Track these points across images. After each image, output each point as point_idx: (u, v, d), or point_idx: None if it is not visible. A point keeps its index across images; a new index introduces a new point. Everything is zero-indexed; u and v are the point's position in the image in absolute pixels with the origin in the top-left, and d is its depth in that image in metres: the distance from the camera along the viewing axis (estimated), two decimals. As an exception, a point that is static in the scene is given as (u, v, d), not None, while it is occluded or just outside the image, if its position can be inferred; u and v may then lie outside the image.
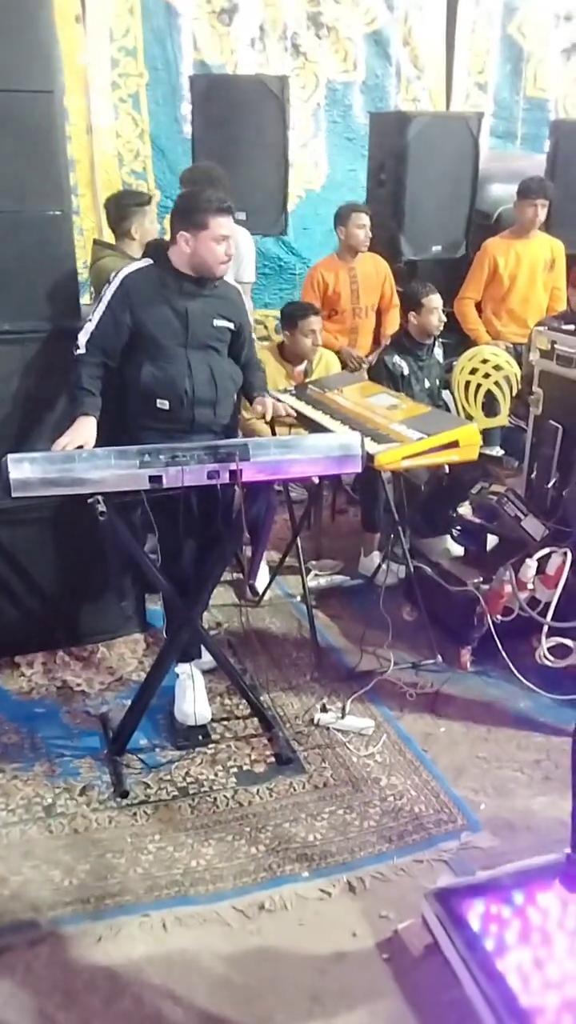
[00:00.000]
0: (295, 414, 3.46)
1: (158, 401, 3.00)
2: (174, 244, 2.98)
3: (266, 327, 5.96)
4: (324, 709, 3.20)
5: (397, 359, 4.21)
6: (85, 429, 2.85)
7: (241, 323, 3.16)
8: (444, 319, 4.23)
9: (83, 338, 2.97)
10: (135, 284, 2.97)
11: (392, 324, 4.94)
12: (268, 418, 3.26)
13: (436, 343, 4.36)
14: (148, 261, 3.04)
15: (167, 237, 3.12)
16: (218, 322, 3.07)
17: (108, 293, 2.98)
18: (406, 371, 4.20)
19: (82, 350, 2.96)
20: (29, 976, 2.20)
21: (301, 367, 4.25)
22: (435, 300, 4.17)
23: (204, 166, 4.04)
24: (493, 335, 5.10)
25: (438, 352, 4.40)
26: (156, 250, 3.08)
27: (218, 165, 4.03)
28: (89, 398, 2.93)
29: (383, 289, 5.03)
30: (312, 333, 4.11)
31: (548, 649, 3.11)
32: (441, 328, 4.24)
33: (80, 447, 2.75)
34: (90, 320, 2.98)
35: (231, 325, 3.11)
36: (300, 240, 5.98)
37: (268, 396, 3.32)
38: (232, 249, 3.01)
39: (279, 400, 3.45)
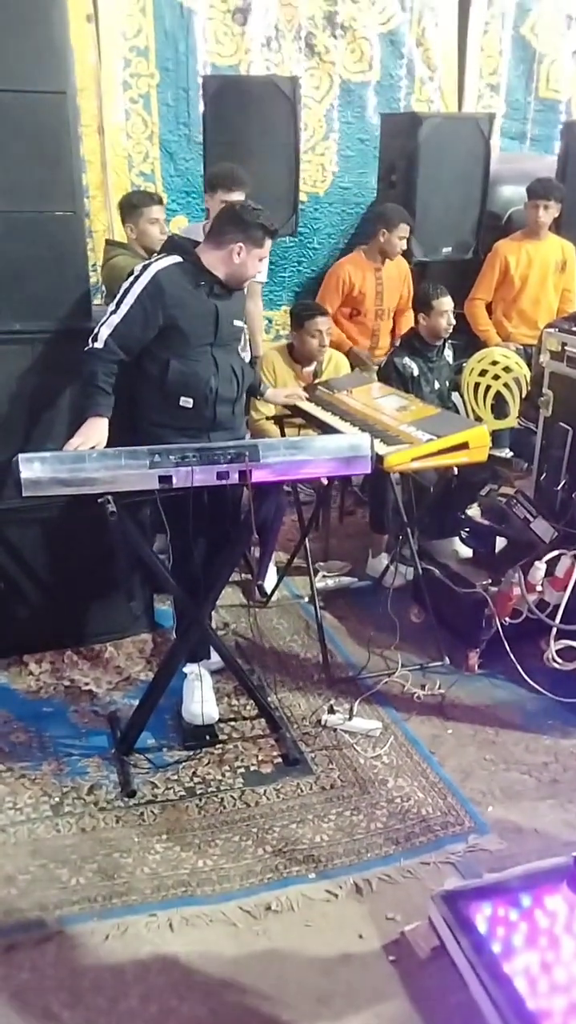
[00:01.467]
0: (306, 396, 3.64)
1: (182, 399, 2.98)
2: (216, 248, 2.97)
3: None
4: (331, 710, 3.20)
5: (407, 360, 4.21)
6: (97, 430, 2.82)
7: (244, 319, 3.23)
8: (453, 321, 4.23)
9: (105, 331, 2.87)
10: (169, 280, 2.92)
11: (406, 326, 4.94)
12: (304, 396, 3.49)
13: (446, 345, 4.36)
14: (176, 258, 2.98)
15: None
16: (237, 322, 3.11)
17: (137, 287, 2.89)
18: (416, 372, 4.20)
19: (100, 344, 2.87)
20: (36, 975, 2.21)
21: (310, 368, 4.25)
22: (445, 303, 4.17)
23: (233, 168, 4.02)
24: (504, 336, 5.09)
25: (448, 354, 4.40)
26: (181, 248, 3.04)
27: (240, 166, 4.03)
28: (103, 397, 2.87)
29: (403, 291, 5.04)
30: (319, 334, 4.09)
31: (556, 652, 3.11)
32: (450, 330, 4.24)
33: (92, 448, 2.75)
34: (114, 313, 2.89)
35: (243, 324, 3.18)
36: (297, 248, 5.96)
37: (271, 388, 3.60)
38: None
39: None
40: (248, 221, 2.95)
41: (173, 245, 3.09)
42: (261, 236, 2.97)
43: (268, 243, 3.02)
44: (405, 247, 4.85)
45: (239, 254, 2.95)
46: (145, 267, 2.96)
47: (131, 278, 2.94)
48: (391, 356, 4.38)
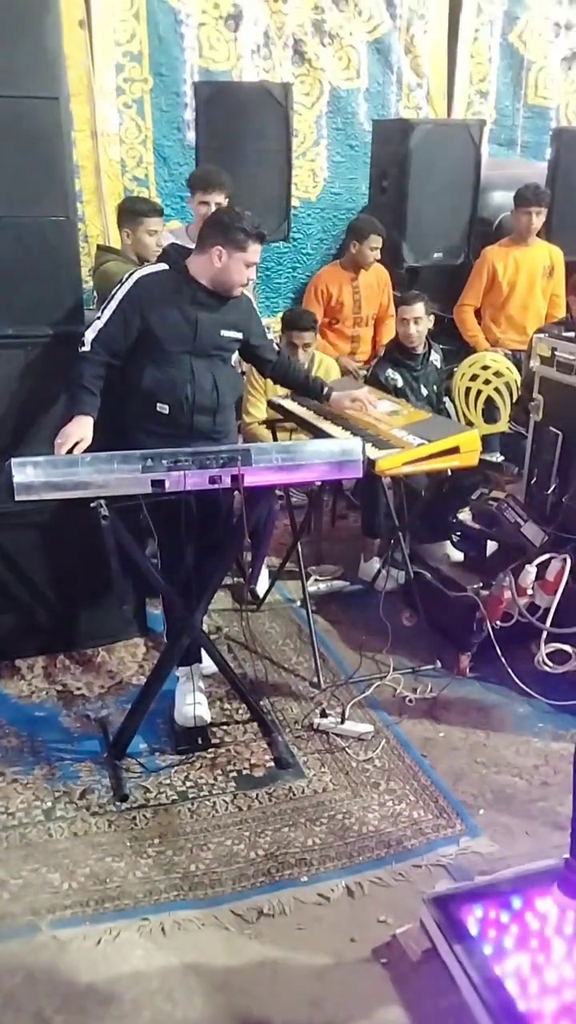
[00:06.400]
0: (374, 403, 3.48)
1: (158, 405, 3.00)
2: (200, 254, 2.97)
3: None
4: (323, 714, 3.20)
5: (391, 372, 4.18)
6: (81, 427, 2.83)
7: (249, 331, 3.16)
8: (422, 329, 4.15)
9: (90, 335, 2.94)
10: (148, 287, 2.96)
11: (388, 333, 4.97)
12: (372, 412, 3.35)
13: (432, 350, 4.32)
14: (163, 265, 3.03)
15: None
16: (226, 332, 3.06)
17: (120, 292, 2.96)
18: (400, 383, 4.17)
19: (87, 347, 2.94)
20: (28, 979, 2.21)
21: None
22: (410, 310, 4.10)
23: (212, 170, 4.04)
24: (492, 342, 5.11)
25: (435, 358, 4.35)
26: (174, 256, 3.06)
27: (223, 169, 4.05)
28: (89, 397, 2.91)
29: (382, 299, 5.07)
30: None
31: (547, 655, 3.12)
32: (421, 338, 4.18)
33: (77, 444, 2.75)
34: (99, 318, 2.96)
35: (239, 335, 3.11)
36: (291, 254, 5.98)
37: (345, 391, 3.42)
38: (254, 274, 3.02)
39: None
40: (227, 224, 2.94)
41: (167, 254, 3.11)
42: (242, 239, 2.92)
43: (253, 247, 2.96)
44: (378, 257, 4.93)
45: (220, 258, 2.93)
46: (131, 274, 3.01)
47: (119, 284, 2.99)
48: (374, 368, 4.36)
